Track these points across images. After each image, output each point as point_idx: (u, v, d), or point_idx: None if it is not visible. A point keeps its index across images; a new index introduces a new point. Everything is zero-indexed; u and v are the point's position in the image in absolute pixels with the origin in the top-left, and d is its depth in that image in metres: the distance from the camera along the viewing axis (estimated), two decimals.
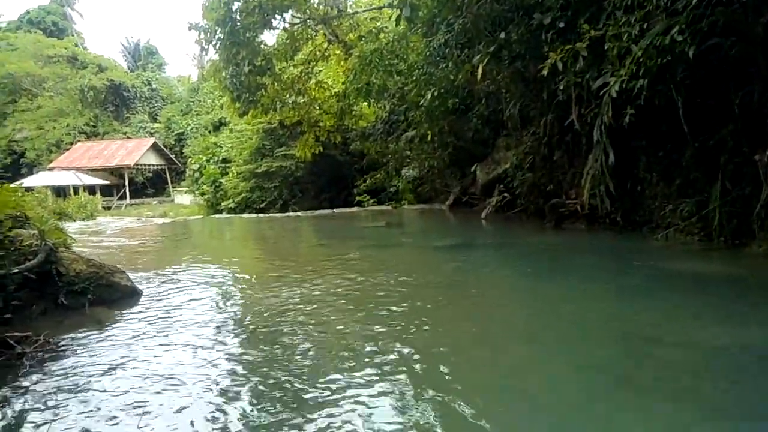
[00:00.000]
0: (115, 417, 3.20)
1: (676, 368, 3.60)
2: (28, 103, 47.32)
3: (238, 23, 15.62)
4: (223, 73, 16.86)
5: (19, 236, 5.50)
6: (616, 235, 9.35)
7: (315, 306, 5.54)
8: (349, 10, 19.77)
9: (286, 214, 20.01)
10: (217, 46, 16.39)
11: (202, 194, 29.88)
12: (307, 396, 3.37)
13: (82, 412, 3.27)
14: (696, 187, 8.09)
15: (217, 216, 24.07)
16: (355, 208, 19.79)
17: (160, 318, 5.31)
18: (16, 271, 4.86)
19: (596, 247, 8.95)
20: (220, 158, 30.02)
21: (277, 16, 16.46)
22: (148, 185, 47.06)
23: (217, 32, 16.01)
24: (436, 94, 12.33)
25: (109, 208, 37.24)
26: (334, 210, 19.54)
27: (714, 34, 6.64)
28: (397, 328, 4.64)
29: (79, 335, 4.74)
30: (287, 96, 19.07)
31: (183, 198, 39.66)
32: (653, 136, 8.70)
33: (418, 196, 19.33)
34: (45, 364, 4.04)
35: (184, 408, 3.29)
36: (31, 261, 5.11)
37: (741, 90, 7.02)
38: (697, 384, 3.39)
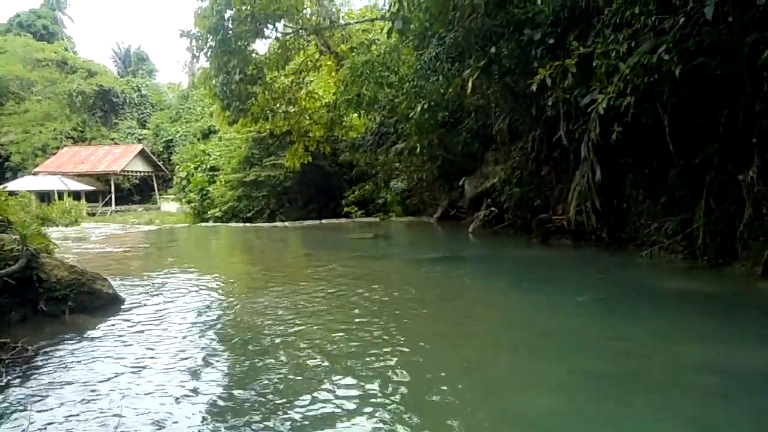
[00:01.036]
0: (90, 426, 3.13)
1: (659, 384, 3.60)
2: (15, 107, 46.87)
3: (230, 32, 15.59)
4: (214, 81, 16.79)
5: (0, 241, 5.41)
6: (602, 251, 9.39)
7: (297, 318, 5.49)
8: (342, 22, 19.84)
9: (274, 224, 19.91)
10: (209, 54, 16.33)
11: (189, 202, 29.67)
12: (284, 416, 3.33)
13: (56, 422, 3.20)
14: (681, 205, 8.16)
15: (203, 224, 23.90)
16: (342, 219, 19.74)
17: (140, 327, 5.23)
18: None
19: (582, 263, 8.98)
20: (209, 166, 29.86)
21: (269, 25, 16.45)
22: (135, 192, 46.67)
23: (209, 40, 15.97)
24: (426, 107, 12.38)
25: (94, 215, 36.85)
26: (322, 221, 19.48)
27: (700, 53, 6.73)
28: (378, 340, 4.61)
29: (58, 343, 4.65)
30: (277, 105, 19.03)
31: (170, 205, 39.34)
32: (640, 153, 8.78)
33: (406, 209, 19.32)
34: (21, 372, 3.95)
35: (161, 419, 3.24)
36: (12, 266, 5.02)
37: (726, 109, 7.11)
38: (680, 400, 3.39)
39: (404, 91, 13.57)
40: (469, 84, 10.35)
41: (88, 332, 5.05)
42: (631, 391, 3.54)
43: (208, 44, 16.03)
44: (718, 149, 7.38)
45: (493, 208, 12.80)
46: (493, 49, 9.89)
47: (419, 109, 12.34)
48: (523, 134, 11.22)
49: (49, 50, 51.08)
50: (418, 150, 14.94)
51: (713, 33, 6.50)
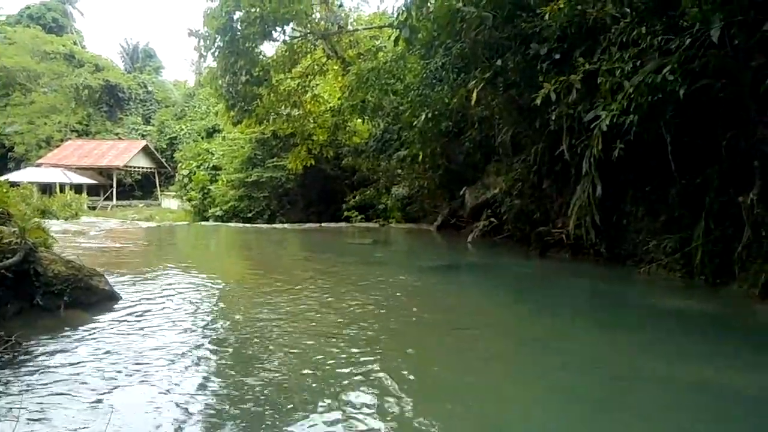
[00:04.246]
0: (81, 421, 3.15)
1: (655, 404, 3.60)
2: (22, 98, 47.01)
3: (239, 33, 15.67)
4: (220, 81, 16.86)
5: None
6: (600, 266, 9.40)
7: (292, 322, 5.50)
8: (350, 27, 19.93)
9: (273, 225, 19.92)
10: (216, 54, 16.43)
11: (190, 200, 29.69)
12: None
13: (47, 416, 3.21)
14: (680, 224, 8.17)
15: (203, 223, 23.92)
16: (342, 224, 19.75)
17: (134, 325, 5.23)
18: None
19: (579, 278, 8.99)
20: (211, 165, 29.89)
21: (277, 28, 16.51)
22: (136, 188, 46.75)
23: (217, 40, 16.05)
24: (430, 116, 12.41)
25: (94, 209, 36.88)
26: (322, 224, 19.49)
27: (705, 75, 6.76)
28: (368, 349, 4.62)
29: (52, 338, 4.65)
30: (282, 108, 19.11)
31: (170, 202, 39.41)
32: (641, 170, 8.80)
33: (406, 215, 19.32)
34: (13, 366, 3.95)
35: (152, 415, 3.26)
36: (10, 259, 5.03)
37: (729, 132, 7.14)
38: (670, 424, 3.39)
39: (409, 99, 13.61)
40: (474, 95, 10.38)
41: (83, 328, 5.04)
42: (617, 410, 3.54)
43: (216, 44, 16.11)
44: (719, 170, 7.41)
45: (492, 219, 12.81)
46: (499, 62, 9.92)
47: (423, 117, 12.37)
48: (526, 147, 11.23)
49: (58, 43, 51.28)
50: (420, 158, 14.97)
51: (719, 56, 6.54)
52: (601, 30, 8.38)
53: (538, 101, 8.46)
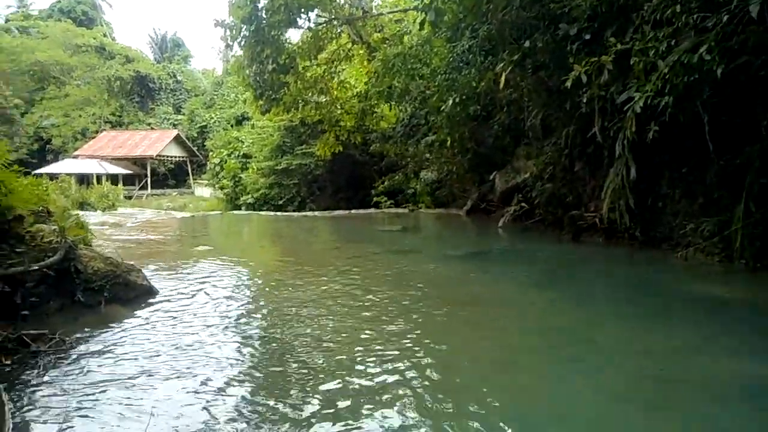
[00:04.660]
0: (123, 420, 3.26)
1: (696, 402, 3.53)
2: (56, 91, 48.20)
3: (264, 21, 15.71)
4: (247, 71, 16.97)
5: (40, 231, 5.59)
6: (635, 251, 9.22)
7: (325, 316, 5.54)
8: (374, 12, 19.76)
9: (304, 213, 20.09)
10: (242, 44, 16.52)
11: (222, 188, 30.14)
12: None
13: (91, 415, 3.33)
14: (719, 207, 7.95)
15: (235, 212, 24.27)
16: (371, 210, 19.77)
17: (172, 319, 5.36)
18: (36, 268, 4.93)
19: (614, 263, 8.83)
20: (241, 153, 30.24)
21: (302, 15, 16.51)
22: (170, 176, 47.62)
23: (243, 30, 16.13)
24: (457, 100, 12.25)
25: (130, 198, 37.79)
26: (351, 211, 19.57)
27: (744, 52, 6.51)
28: (396, 344, 4.64)
29: (94, 334, 4.80)
30: (309, 95, 19.14)
31: (203, 190, 40.07)
32: (677, 152, 8.57)
33: (435, 200, 19.23)
34: (59, 364, 4.09)
35: (191, 414, 3.33)
36: (51, 258, 5.19)
37: None
38: (709, 422, 3.32)
39: (436, 83, 13.46)
40: (502, 78, 10.21)
41: (123, 323, 5.19)
42: (657, 408, 3.49)
43: (242, 34, 16.20)
44: (759, 150, 7.16)
45: (523, 204, 12.66)
46: (527, 43, 9.73)
47: (451, 102, 12.22)
48: (557, 129, 11.02)
49: (89, 36, 52.28)
50: (448, 143, 14.85)
51: (758, 32, 6.27)
52: (633, 8, 8.12)
53: (569, 84, 8.27)
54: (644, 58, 7.39)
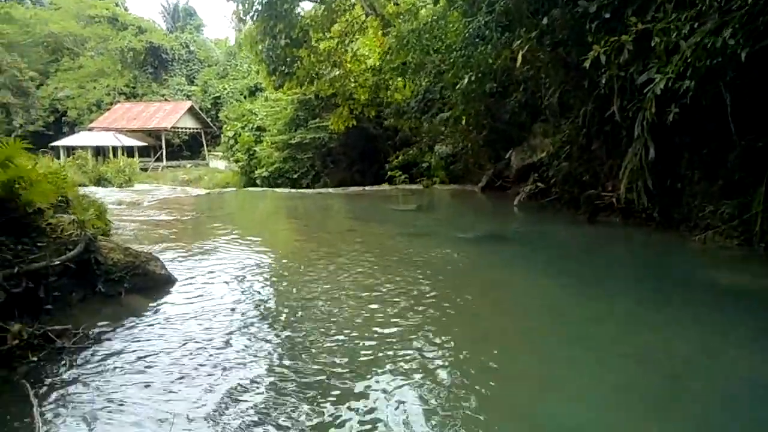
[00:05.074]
0: (143, 420, 3.35)
1: (706, 400, 3.55)
2: (70, 63, 48.34)
3: None
4: (260, 46, 16.84)
5: (60, 223, 5.67)
6: (652, 232, 9.14)
7: (338, 303, 5.60)
8: None
9: (318, 190, 20.12)
10: (255, 18, 16.36)
11: (237, 161, 30.19)
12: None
13: (116, 409, 3.45)
14: (740, 189, 7.82)
15: (250, 189, 24.34)
16: (385, 186, 19.68)
17: (190, 308, 5.46)
18: (57, 262, 5.02)
19: (631, 245, 8.78)
20: (255, 126, 30.17)
21: None
22: (185, 148, 47.82)
23: (255, 3, 15.96)
24: (473, 78, 12.05)
25: (146, 170, 38.10)
26: (365, 188, 19.54)
27: None
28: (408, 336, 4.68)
29: (117, 327, 4.90)
30: (323, 68, 18.97)
31: (218, 163, 40.22)
32: (698, 133, 8.39)
33: (450, 174, 19.10)
34: (83, 359, 4.20)
35: (213, 410, 3.42)
36: (72, 251, 5.27)
37: None
38: (720, 422, 3.34)
39: (451, 59, 13.24)
40: (519, 55, 10.01)
41: (144, 314, 5.30)
42: (663, 407, 3.50)
43: (254, 8, 16.02)
44: None
45: (539, 183, 12.55)
46: (545, 20, 9.50)
47: (466, 80, 12.03)
48: (574, 107, 10.84)
49: (101, 7, 52.08)
50: (464, 120, 14.67)
51: None
52: None
53: (587, 64, 8.08)
54: (666, 38, 7.19)
